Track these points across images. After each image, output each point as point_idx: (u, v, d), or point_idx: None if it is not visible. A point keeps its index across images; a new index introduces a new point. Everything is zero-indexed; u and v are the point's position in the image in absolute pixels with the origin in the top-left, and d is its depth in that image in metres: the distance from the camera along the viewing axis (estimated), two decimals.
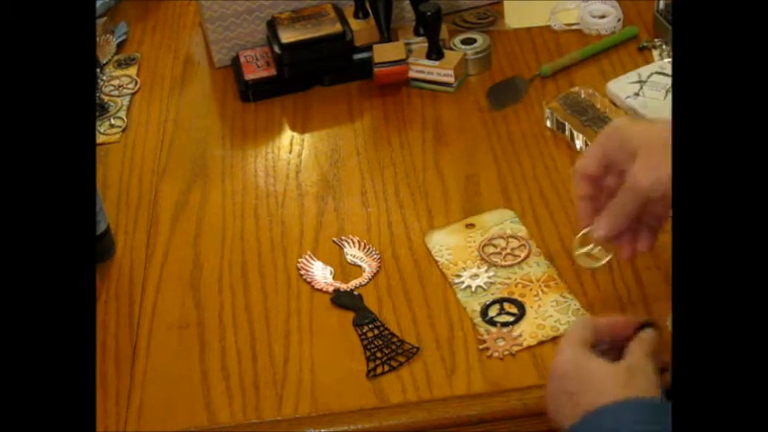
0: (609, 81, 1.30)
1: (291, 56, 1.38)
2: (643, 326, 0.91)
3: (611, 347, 0.90)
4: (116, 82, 1.47)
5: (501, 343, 0.99)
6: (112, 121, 1.40)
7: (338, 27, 1.39)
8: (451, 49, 1.39)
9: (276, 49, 1.38)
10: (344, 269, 1.12)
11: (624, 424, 0.80)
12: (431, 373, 0.98)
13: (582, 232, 0.98)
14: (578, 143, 1.22)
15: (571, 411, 0.84)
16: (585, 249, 0.99)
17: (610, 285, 1.04)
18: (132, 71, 1.50)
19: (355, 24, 1.42)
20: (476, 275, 1.07)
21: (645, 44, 1.38)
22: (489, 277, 1.07)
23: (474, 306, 1.04)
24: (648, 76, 1.29)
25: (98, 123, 1.39)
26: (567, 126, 1.23)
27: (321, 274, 1.11)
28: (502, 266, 1.08)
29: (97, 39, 1.53)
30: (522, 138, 1.26)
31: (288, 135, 1.34)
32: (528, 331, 1.01)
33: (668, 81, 1.27)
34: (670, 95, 1.24)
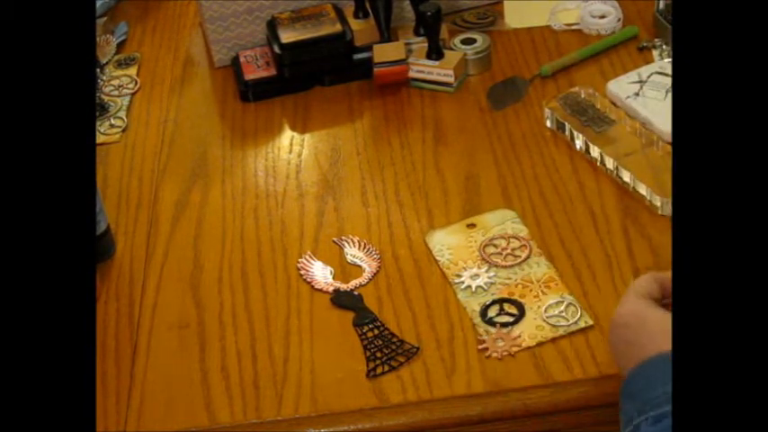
0: (609, 81, 1.30)
1: (291, 56, 1.38)
2: None
3: None
4: (116, 82, 1.47)
5: (500, 344, 0.99)
6: (112, 121, 1.40)
7: (338, 27, 1.39)
8: (451, 49, 1.39)
9: (276, 48, 1.39)
10: (344, 269, 1.12)
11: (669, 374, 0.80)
12: (431, 373, 0.98)
13: None
14: (578, 143, 1.22)
15: (629, 361, 0.84)
16: None
17: (610, 286, 1.04)
18: (132, 71, 1.50)
19: (355, 24, 1.42)
20: (476, 275, 1.07)
21: (645, 44, 1.38)
22: (490, 277, 1.07)
23: (474, 306, 1.04)
24: (648, 76, 1.29)
25: (98, 123, 1.39)
26: (568, 126, 1.23)
27: (321, 273, 1.11)
28: (502, 267, 1.08)
29: (97, 39, 1.53)
30: (522, 138, 1.26)
31: (288, 135, 1.34)
32: (527, 332, 1.01)
33: (668, 81, 1.27)
34: (670, 95, 1.24)
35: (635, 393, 0.82)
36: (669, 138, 1.18)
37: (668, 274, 0.91)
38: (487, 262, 1.09)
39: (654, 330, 0.85)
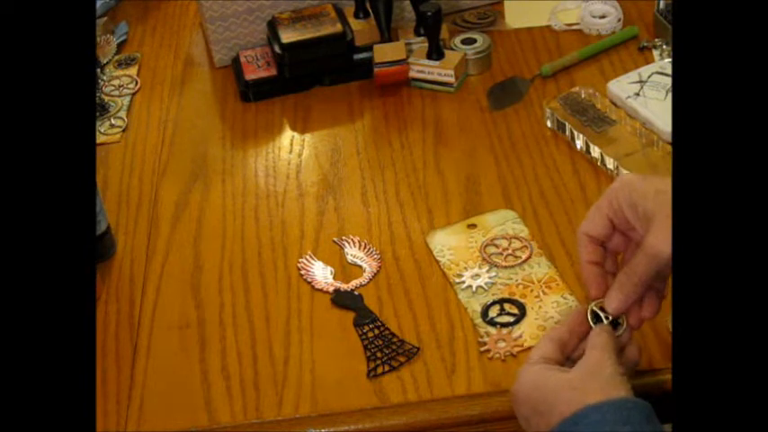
0: (609, 81, 1.30)
1: (292, 56, 1.38)
2: (596, 315, 0.90)
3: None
4: (116, 82, 1.47)
5: (502, 345, 0.99)
6: (113, 121, 1.40)
7: (338, 27, 1.39)
8: (452, 49, 1.39)
9: (276, 48, 1.39)
10: (345, 269, 1.12)
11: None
12: (431, 374, 0.98)
13: (591, 306, 0.91)
14: (579, 143, 1.22)
15: (546, 428, 0.83)
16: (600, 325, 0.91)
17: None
18: (133, 71, 1.50)
19: (356, 24, 1.42)
20: (477, 275, 1.07)
21: (645, 44, 1.38)
22: (491, 278, 1.07)
23: (475, 306, 1.04)
24: (649, 77, 1.29)
25: (98, 123, 1.39)
26: (568, 126, 1.23)
27: (321, 273, 1.11)
28: (503, 267, 1.08)
29: (98, 39, 1.53)
30: (522, 138, 1.26)
31: (288, 135, 1.34)
32: (528, 332, 1.01)
33: (669, 81, 1.27)
34: (670, 95, 1.24)
35: None
36: (669, 138, 1.18)
37: (560, 329, 0.90)
38: (488, 262, 1.09)
39: (554, 395, 0.83)
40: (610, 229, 0.91)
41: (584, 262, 0.91)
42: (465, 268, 1.09)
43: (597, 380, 0.83)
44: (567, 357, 0.89)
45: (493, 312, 1.03)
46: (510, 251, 1.10)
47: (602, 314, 0.90)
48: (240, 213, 1.21)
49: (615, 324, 0.90)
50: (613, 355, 0.85)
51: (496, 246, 1.11)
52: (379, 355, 1.00)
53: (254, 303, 1.09)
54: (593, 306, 0.90)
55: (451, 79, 1.35)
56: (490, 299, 1.05)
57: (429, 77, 1.36)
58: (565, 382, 0.84)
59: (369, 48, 1.38)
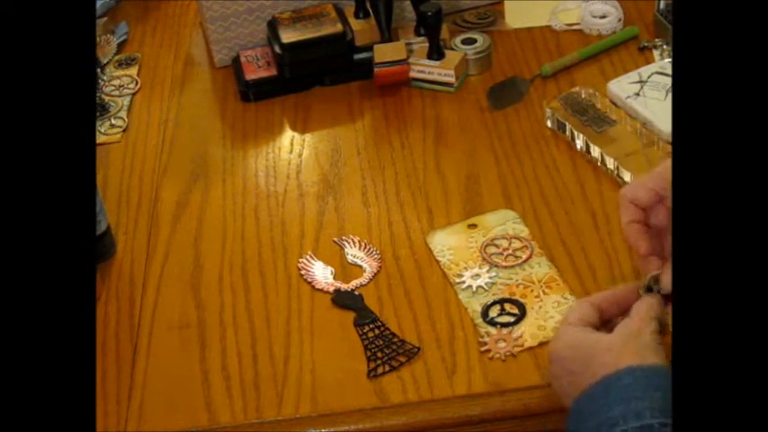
0: (609, 81, 1.30)
1: (292, 56, 1.38)
2: (649, 288, 0.90)
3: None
4: (117, 82, 1.47)
5: (502, 345, 0.99)
6: (113, 121, 1.40)
7: (339, 27, 1.39)
8: (452, 49, 1.38)
9: (277, 48, 1.39)
10: (345, 269, 1.12)
11: (612, 398, 0.80)
12: (432, 374, 0.98)
13: (647, 279, 0.90)
14: (579, 143, 1.22)
15: (574, 391, 0.84)
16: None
17: (611, 286, 1.04)
18: (133, 71, 1.50)
19: (356, 24, 1.42)
20: (477, 275, 1.07)
21: (645, 44, 1.38)
22: (491, 278, 1.07)
23: (475, 306, 1.04)
24: (649, 77, 1.29)
25: (99, 123, 1.39)
26: (568, 126, 1.23)
27: (322, 273, 1.11)
28: (503, 267, 1.08)
29: (98, 39, 1.53)
30: (522, 138, 1.26)
31: (288, 135, 1.34)
32: (528, 332, 1.01)
33: (669, 81, 1.27)
34: (670, 95, 1.24)
35: (587, 414, 0.81)
36: (669, 138, 1.18)
37: (604, 296, 0.90)
38: (488, 262, 1.09)
39: (590, 356, 0.84)
40: (653, 199, 0.90)
41: (625, 223, 0.91)
42: (465, 268, 1.09)
43: (634, 343, 0.83)
44: (605, 324, 0.89)
45: (493, 312, 1.03)
46: (510, 251, 1.10)
47: (655, 288, 0.90)
48: (240, 213, 1.21)
49: (667, 300, 0.89)
50: (655, 325, 0.85)
51: (497, 246, 1.11)
52: (379, 355, 1.00)
53: (254, 303, 1.09)
54: (648, 279, 0.90)
55: (452, 79, 1.35)
56: (490, 299, 1.05)
57: (429, 77, 1.36)
58: (602, 343, 0.84)
59: (369, 48, 1.38)
